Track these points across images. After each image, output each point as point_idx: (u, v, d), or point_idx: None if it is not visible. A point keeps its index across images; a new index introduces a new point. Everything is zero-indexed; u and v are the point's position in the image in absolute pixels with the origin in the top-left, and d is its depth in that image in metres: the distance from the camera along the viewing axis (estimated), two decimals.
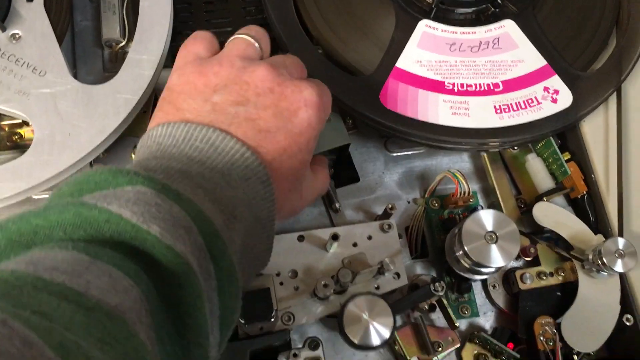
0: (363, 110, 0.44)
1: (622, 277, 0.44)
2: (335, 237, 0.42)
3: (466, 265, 0.42)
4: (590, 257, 0.43)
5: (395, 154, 0.49)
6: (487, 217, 0.41)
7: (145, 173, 0.28)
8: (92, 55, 0.49)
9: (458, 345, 0.44)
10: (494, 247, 0.41)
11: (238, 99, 0.32)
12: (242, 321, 0.38)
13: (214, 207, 0.28)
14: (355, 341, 0.40)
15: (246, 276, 0.33)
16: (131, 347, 0.22)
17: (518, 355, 0.43)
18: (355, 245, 0.44)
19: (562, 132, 0.48)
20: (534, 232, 0.46)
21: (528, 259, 0.46)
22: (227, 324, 0.29)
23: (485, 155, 0.48)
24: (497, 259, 0.41)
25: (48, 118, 0.41)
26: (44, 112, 0.41)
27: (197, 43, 0.36)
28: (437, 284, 0.42)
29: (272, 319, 0.39)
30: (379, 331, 0.40)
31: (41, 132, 0.41)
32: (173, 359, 0.24)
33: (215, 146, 0.31)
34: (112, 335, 0.21)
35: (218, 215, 0.28)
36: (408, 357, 0.43)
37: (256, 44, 0.36)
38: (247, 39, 0.36)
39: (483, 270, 0.42)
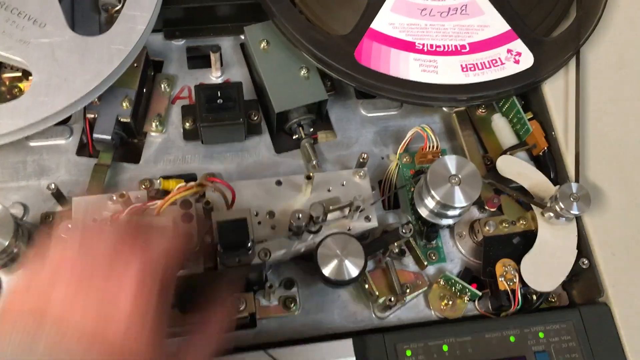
0: (339, 65, 0.47)
1: (579, 223, 0.47)
2: (308, 177, 0.44)
3: (433, 209, 0.45)
4: (549, 204, 0.46)
5: (370, 115, 0.53)
6: (450, 162, 0.44)
7: None
8: (89, 19, 0.53)
9: (426, 287, 0.47)
10: (457, 189, 0.44)
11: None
12: (221, 249, 0.41)
13: None
14: (330, 276, 0.42)
15: None
16: None
17: (480, 293, 0.46)
18: (329, 190, 0.46)
19: (525, 94, 0.52)
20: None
21: (492, 209, 0.49)
22: None
23: (454, 115, 0.52)
24: (460, 199, 0.44)
25: (46, 64, 0.45)
26: (42, 59, 0.45)
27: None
28: (405, 226, 0.45)
29: (250, 251, 0.42)
30: (351, 268, 0.42)
31: (39, 76, 0.44)
32: None
33: None
34: None
35: None
36: (378, 296, 0.46)
37: None
38: None
39: (449, 212, 0.45)
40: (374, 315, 0.46)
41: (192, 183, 0.43)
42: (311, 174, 0.44)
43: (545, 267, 0.46)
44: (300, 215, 0.43)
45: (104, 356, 0.28)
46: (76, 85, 0.44)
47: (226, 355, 0.40)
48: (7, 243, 0.41)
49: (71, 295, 0.29)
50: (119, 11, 0.52)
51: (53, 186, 0.44)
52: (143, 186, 0.46)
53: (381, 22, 0.49)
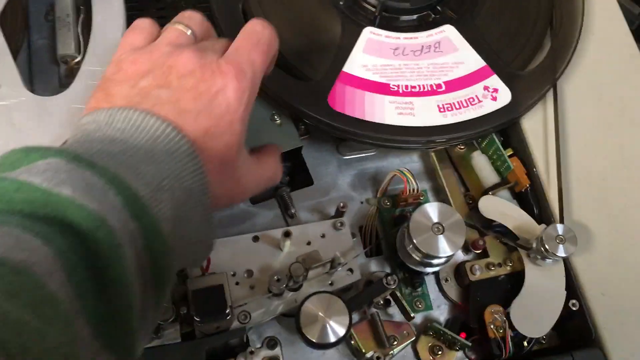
0: (312, 113, 0.46)
1: (567, 264, 0.46)
2: (287, 234, 0.43)
3: (417, 258, 0.44)
4: (534, 245, 0.45)
5: (347, 157, 0.51)
6: (432, 210, 0.43)
7: (58, 148, 0.28)
8: (49, 72, 0.51)
9: (413, 338, 0.45)
10: (441, 238, 0.42)
11: (161, 82, 0.34)
12: (197, 319, 0.39)
13: (135, 178, 0.29)
14: (313, 340, 0.40)
15: (189, 253, 0.34)
16: (39, 297, 0.23)
17: (470, 344, 0.44)
18: (309, 243, 0.45)
19: (505, 130, 0.50)
20: (482, 226, 0.48)
21: (478, 251, 0.48)
22: (162, 282, 0.29)
23: (433, 155, 0.50)
24: (445, 248, 0.42)
25: (3, 129, 0.42)
26: None
27: (135, 34, 0.37)
28: (389, 277, 0.44)
29: (228, 317, 0.40)
30: (335, 329, 0.40)
31: None
32: (94, 313, 0.25)
33: (137, 125, 0.32)
34: (17, 286, 0.22)
35: (140, 184, 0.29)
36: (364, 352, 0.44)
37: (188, 32, 0.37)
38: (178, 28, 0.37)
39: (433, 261, 0.44)
40: None
41: None
42: (290, 231, 0.42)
43: (534, 311, 0.44)
44: (279, 278, 0.41)
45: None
46: None
47: None
48: None
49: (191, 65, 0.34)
50: (78, 63, 0.50)
51: None
52: None
53: (353, 65, 0.48)
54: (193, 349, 0.40)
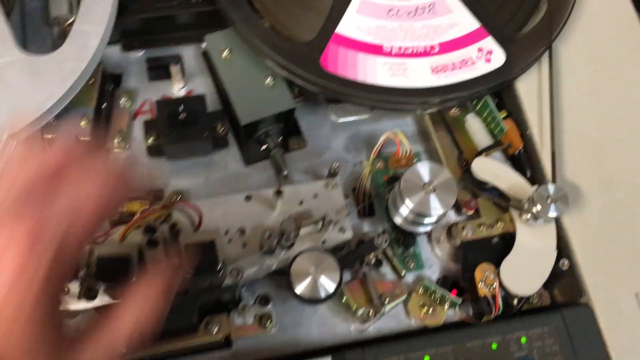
0: (305, 74, 0.46)
1: (558, 224, 0.46)
2: (278, 193, 0.43)
3: (408, 217, 0.44)
4: (526, 206, 0.45)
5: (340, 120, 0.51)
6: (424, 169, 0.43)
7: None
8: (42, 34, 0.51)
9: (404, 296, 0.46)
10: (432, 197, 0.43)
11: None
12: (189, 275, 0.40)
13: None
14: (303, 295, 0.41)
15: None
16: None
17: (460, 300, 0.45)
18: (301, 203, 0.45)
19: (499, 92, 0.50)
20: (475, 187, 0.48)
21: (470, 212, 0.48)
22: None
23: (427, 117, 0.50)
24: (436, 207, 0.42)
25: None
26: None
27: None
28: (380, 236, 0.44)
29: (220, 273, 0.41)
30: (325, 285, 0.41)
31: None
32: None
33: None
34: None
35: None
36: (355, 308, 0.44)
37: None
38: None
39: (424, 220, 0.44)
40: (352, 327, 0.45)
41: (155, 207, 0.41)
42: (281, 190, 0.43)
43: (525, 270, 0.45)
44: (271, 234, 0.41)
45: None
46: (29, 108, 0.42)
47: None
48: None
49: None
50: (71, 24, 0.49)
51: None
52: None
53: (347, 26, 0.47)
54: (186, 304, 0.41)
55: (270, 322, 0.44)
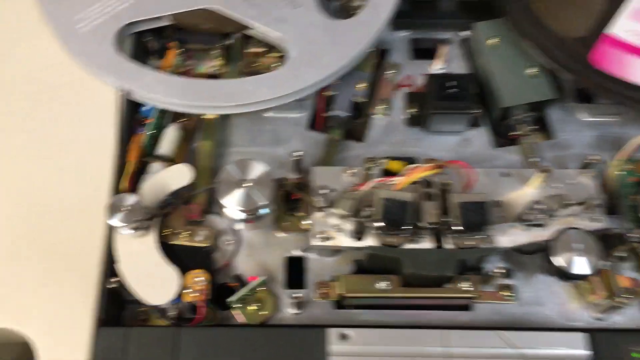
0: (574, 67, 0.48)
1: None
2: (545, 171, 0.45)
3: None
4: None
5: (587, 119, 0.53)
6: None
7: None
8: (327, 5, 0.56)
9: None
10: None
11: None
12: (460, 229, 0.43)
13: None
14: (564, 267, 0.43)
15: None
16: None
17: None
18: (555, 187, 0.47)
19: None
20: None
21: None
22: None
23: None
24: None
25: (301, 41, 0.48)
26: (299, 36, 0.49)
27: None
28: (635, 230, 0.45)
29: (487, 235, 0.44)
30: (581, 264, 0.43)
31: (294, 52, 0.48)
32: None
33: None
34: None
35: None
36: (593, 299, 0.45)
37: None
38: None
39: None
40: (589, 316, 0.46)
41: (431, 164, 0.45)
42: (549, 169, 0.45)
43: None
44: (537, 207, 0.43)
45: None
46: (326, 63, 0.48)
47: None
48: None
49: None
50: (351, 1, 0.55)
51: (298, 154, 0.47)
52: (368, 164, 0.49)
53: (619, 28, 0.49)
54: (446, 257, 0.44)
55: (511, 293, 0.46)
